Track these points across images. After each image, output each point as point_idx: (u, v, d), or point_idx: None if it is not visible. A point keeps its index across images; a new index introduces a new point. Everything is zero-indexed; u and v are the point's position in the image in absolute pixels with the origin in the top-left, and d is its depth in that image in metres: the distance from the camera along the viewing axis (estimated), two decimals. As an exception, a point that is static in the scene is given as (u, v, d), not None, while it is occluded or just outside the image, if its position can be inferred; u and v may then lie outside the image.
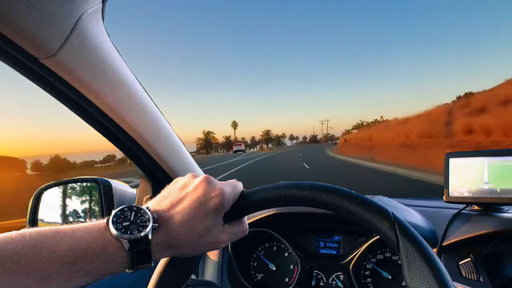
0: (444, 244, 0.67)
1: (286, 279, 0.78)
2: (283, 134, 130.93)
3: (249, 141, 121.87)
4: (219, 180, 0.40)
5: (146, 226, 0.33)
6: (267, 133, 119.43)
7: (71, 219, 0.82)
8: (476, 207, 0.76)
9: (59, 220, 0.81)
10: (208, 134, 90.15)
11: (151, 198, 0.50)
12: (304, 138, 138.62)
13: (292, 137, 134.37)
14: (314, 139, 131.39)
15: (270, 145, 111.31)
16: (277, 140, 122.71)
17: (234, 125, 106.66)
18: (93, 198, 0.82)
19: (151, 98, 0.68)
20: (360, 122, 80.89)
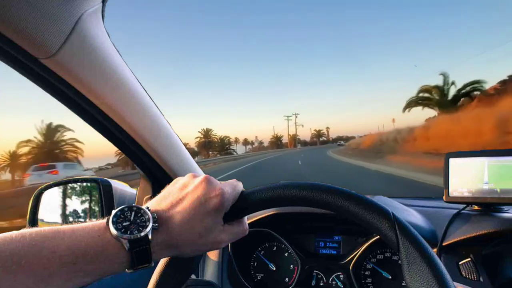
0: (444, 244, 0.67)
1: (286, 279, 0.78)
2: (236, 138, 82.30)
3: (196, 148, 62.35)
4: (219, 180, 0.40)
5: (146, 226, 0.33)
6: (206, 134, 62.09)
7: (71, 219, 0.82)
8: (476, 207, 0.76)
9: (59, 220, 0.81)
10: (52, 131, 24.40)
11: (151, 198, 0.50)
12: (260, 142, 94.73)
13: (246, 142, 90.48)
14: (276, 143, 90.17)
15: (210, 153, 58.23)
16: (221, 145, 65.23)
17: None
18: (93, 198, 0.82)
19: (151, 98, 0.68)
20: (425, 85, 24.36)
